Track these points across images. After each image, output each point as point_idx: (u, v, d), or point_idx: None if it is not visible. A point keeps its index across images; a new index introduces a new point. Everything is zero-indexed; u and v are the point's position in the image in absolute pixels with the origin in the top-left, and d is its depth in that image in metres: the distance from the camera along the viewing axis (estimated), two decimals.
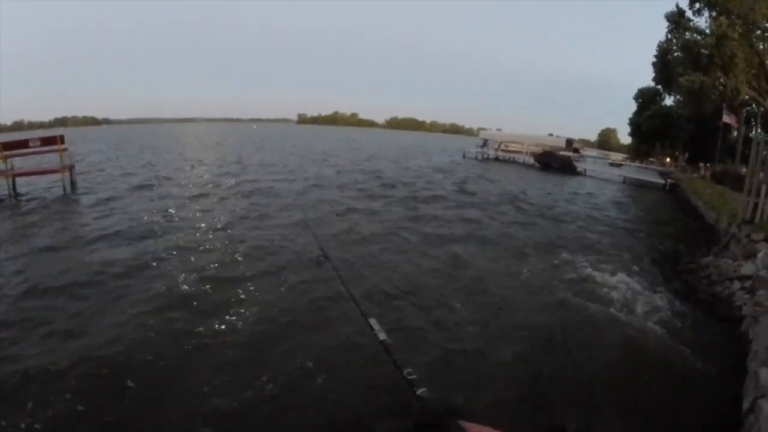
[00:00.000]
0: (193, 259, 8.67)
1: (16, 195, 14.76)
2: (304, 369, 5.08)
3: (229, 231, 10.84)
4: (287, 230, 10.74)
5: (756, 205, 10.59)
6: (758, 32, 24.02)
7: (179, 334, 5.70)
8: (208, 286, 7.26)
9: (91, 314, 6.20)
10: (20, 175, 15.51)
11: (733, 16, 22.51)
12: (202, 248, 9.37)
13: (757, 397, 4.09)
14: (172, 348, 5.35)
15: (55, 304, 6.53)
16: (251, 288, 7.30)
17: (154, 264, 8.28)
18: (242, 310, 6.44)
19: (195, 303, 6.64)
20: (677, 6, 26.93)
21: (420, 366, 5.04)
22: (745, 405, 4.32)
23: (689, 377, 5.37)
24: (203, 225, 11.31)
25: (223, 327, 5.96)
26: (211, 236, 10.34)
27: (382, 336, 0.92)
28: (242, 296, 6.99)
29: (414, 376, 0.71)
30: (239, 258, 8.83)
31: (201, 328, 5.85)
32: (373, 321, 0.96)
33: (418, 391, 0.65)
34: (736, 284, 8.16)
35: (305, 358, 5.24)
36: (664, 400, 4.86)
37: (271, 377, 4.85)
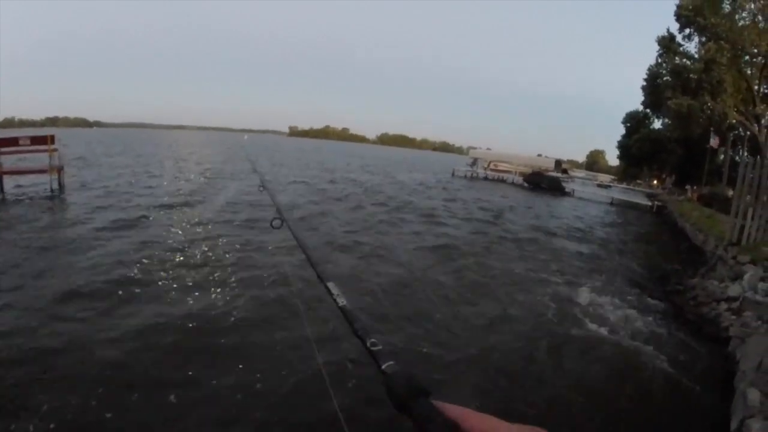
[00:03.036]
0: None
1: (3, 194, 14.47)
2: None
3: None
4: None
5: (743, 227, 10.76)
6: (746, 58, 24.65)
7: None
8: None
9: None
10: (8, 173, 15.23)
11: (722, 42, 23.10)
12: None
13: (745, 416, 4.09)
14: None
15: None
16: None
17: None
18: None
19: None
20: (668, 31, 27.66)
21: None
22: (733, 425, 4.32)
23: (676, 397, 5.37)
24: None
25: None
26: None
27: (342, 301, 0.83)
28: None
29: (379, 347, 0.62)
30: None
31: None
32: (331, 285, 0.88)
33: (383, 365, 0.57)
34: (723, 305, 8.24)
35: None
36: (652, 420, 4.85)
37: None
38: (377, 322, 6.44)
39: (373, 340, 0.72)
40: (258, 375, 4.79)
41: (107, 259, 8.31)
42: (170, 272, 7.94)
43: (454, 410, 0.51)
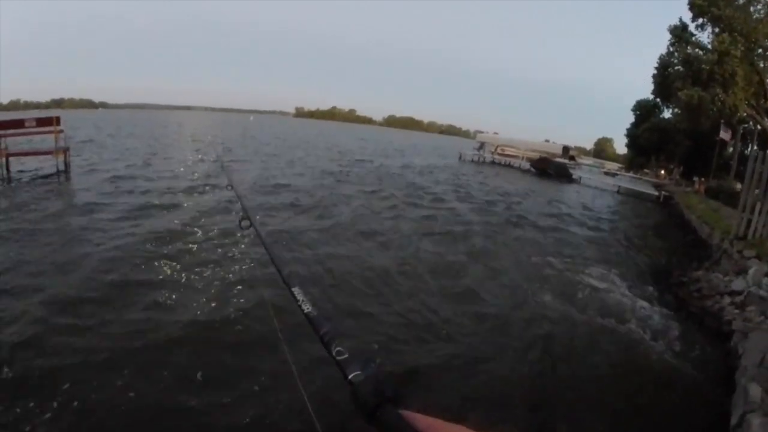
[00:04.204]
0: None
1: (9, 175, 14.55)
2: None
3: None
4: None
5: (749, 221, 10.67)
6: (759, 51, 24.22)
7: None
8: None
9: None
10: (14, 155, 15.29)
11: (736, 34, 22.67)
12: None
13: (746, 411, 4.12)
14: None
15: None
16: None
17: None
18: None
19: None
20: (680, 20, 27.09)
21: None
22: (734, 420, 4.35)
23: (678, 390, 5.40)
24: None
25: None
26: None
27: (307, 307, 0.80)
28: None
29: (345, 356, 0.60)
30: None
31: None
32: (296, 290, 0.86)
33: (350, 375, 0.55)
34: (727, 299, 8.23)
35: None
36: (653, 412, 4.89)
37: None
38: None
39: (339, 348, 0.70)
40: None
41: (111, 253, 8.20)
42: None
43: (422, 420, 0.51)
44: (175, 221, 10.42)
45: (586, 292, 8.62)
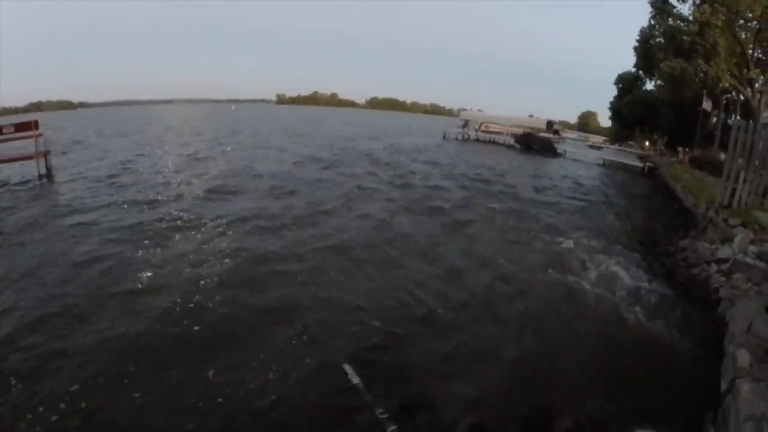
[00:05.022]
0: None
1: None
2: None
3: None
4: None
5: (734, 190, 10.84)
6: (741, 21, 24.30)
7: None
8: None
9: None
10: None
11: (717, 5, 22.72)
12: None
13: (734, 377, 4.24)
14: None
15: None
16: None
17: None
18: None
19: None
20: None
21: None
22: (723, 386, 4.48)
23: (667, 358, 5.54)
24: None
25: None
26: None
27: (356, 380, 0.81)
28: None
29: (386, 416, 0.60)
30: None
31: None
32: (347, 367, 0.86)
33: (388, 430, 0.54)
34: (713, 267, 8.40)
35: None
36: (643, 380, 5.01)
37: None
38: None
39: (380, 409, 0.68)
40: None
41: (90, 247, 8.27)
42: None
43: None
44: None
45: (572, 262, 8.79)
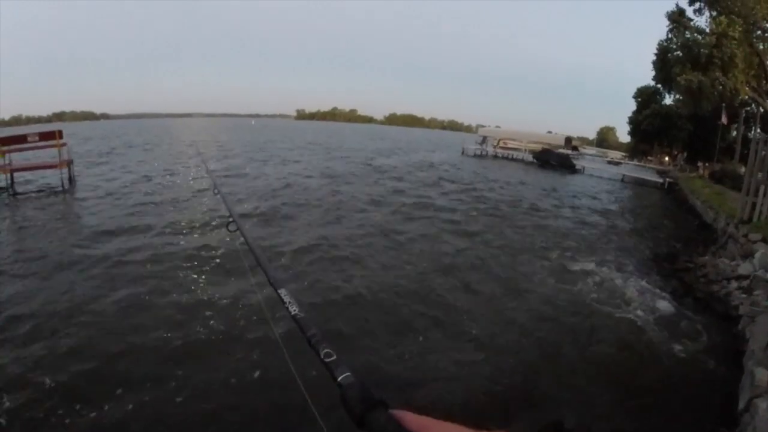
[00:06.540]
0: None
1: (14, 190, 14.68)
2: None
3: None
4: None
5: (754, 205, 10.62)
6: (758, 32, 23.92)
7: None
8: None
9: None
10: (18, 170, 15.42)
11: (734, 16, 22.43)
12: None
13: (753, 396, 4.12)
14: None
15: None
16: None
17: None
18: None
19: None
20: (677, 5, 26.83)
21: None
22: (741, 404, 4.35)
23: (685, 375, 5.42)
24: None
25: None
26: None
27: (294, 309, 0.79)
28: None
29: (333, 358, 0.60)
30: None
31: None
32: (283, 292, 0.85)
33: (339, 377, 0.55)
34: (734, 284, 8.21)
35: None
36: (661, 396, 4.91)
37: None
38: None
39: (327, 350, 0.70)
40: None
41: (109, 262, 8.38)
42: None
43: (413, 420, 0.51)
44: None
45: (592, 279, 8.66)
